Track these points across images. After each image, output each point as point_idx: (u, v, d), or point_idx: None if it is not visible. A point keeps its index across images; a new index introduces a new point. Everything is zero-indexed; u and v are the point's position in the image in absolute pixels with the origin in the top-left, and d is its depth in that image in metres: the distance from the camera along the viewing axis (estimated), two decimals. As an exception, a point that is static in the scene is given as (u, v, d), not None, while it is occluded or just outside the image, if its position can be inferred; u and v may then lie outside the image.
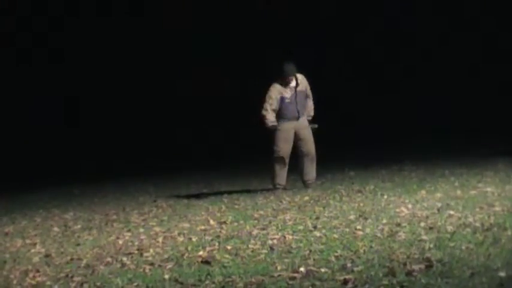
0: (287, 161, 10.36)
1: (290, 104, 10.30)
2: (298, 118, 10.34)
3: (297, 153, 10.42)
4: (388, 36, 21.73)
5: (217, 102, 21.96)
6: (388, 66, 21.70)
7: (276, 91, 10.29)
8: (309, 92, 10.48)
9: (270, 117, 10.30)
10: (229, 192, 10.94)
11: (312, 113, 10.56)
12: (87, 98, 22.63)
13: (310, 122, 10.52)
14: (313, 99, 10.55)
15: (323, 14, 21.71)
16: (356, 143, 18.99)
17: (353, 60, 21.98)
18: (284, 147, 10.31)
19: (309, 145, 10.38)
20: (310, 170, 10.42)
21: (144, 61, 22.54)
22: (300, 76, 10.41)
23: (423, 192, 8.47)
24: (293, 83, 10.34)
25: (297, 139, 10.35)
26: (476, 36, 20.83)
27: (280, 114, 10.35)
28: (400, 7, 21.57)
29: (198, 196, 10.95)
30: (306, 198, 9.06)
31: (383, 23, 21.78)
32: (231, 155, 19.42)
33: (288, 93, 10.31)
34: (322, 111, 10.89)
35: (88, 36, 22.41)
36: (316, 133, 10.57)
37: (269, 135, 10.46)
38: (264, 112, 10.30)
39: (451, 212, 6.70)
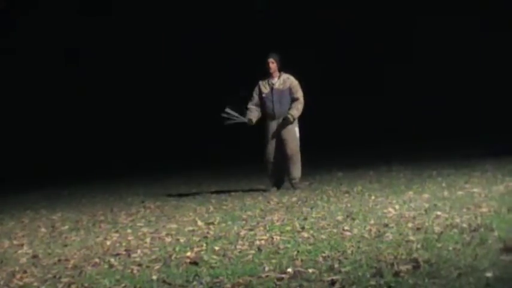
0: (272, 160, 10.48)
1: (267, 100, 10.48)
2: (274, 116, 10.43)
3: (281, 154, 10.44)
4: (378, 36, 21.74)
5: (207, 103, 21.91)
6: (377, 67, 21.72)
7: (257, 87, 10.58)
8: (296, 94, 10.45)
9: (248, 111, 10.55)
10: (218, 193, 10.94)
11: (292, 112, 10.36)
12: (75, 96, 22.54)
13: (289, 120, 10.36)
14: (303, 103, 10.46)
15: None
16: (344, 144, 19.03)
17: (340, 61, 21.99)
18: (267, 147, 10.51)
19: (288, 145, 10.41)
20: (293, 169, 10.44)
21: (136, 60, 22.48)
22: (285, 75, 10.51)
23: (411, 193, 8.49)
24: (275, 79, 10.47)
25: (278, 140, 10.42)
26: (465, 35, 20.88)
27: (263, 113, 10.59)
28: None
29: (186, 197, 10.94)
30: (294, 199, 9.06)
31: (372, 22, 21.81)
32: (220, 155, 19.41)
33: (266, 89, 10.51)
34: (310, 112, 10.90)
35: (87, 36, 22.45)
36: (304, 134, 10.57)
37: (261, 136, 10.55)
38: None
39: (439, 213, 6.71)
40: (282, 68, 10.56)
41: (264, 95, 10.49)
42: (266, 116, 10.56)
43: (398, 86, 21.49)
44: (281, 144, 10.40)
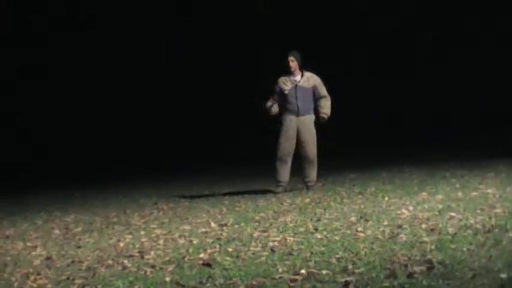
0: (288, 158, 10.30)
1: (289, 96, 10.30)
2: (298, 114, 10.29)
3: (298, 154, 10.39)
4: (389, 36, 21.70)
5: (218, 102, 21.96)
6: (390, 66, 21.69)
7: (277, 85, 10.41)
8: (322, 91, 10.37)
9: (268, 103, 10.45)
10: (230, 194, 10.94)
11: (325, 110, 10.35)
12: (86, 98, 22.61)
13: (325, 119, 10.37)
14: (330, 100, 10.43)
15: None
16: (356, 145, 18.99)
17: (353, 60, 21.97)
18: (284, 144, 10.28)
19: (309, 147, 10.30)
20: (310, 171, 10.38)
21: (145, 60, 22.52)
22: (308, 73, 10.40)
23: (424, 194, 8.47)
24: (297, 77, 10.35)
25: (298, 139, 10.31)
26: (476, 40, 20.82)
27: (282, 108, 10.39)
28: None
29: (199, 198, 10.94)
30: (307, 200, 9.05)
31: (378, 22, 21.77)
32: (232, 156, 19.41)
33: (287, 86, 10.33)
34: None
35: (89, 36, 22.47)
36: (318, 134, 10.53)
37: (275, 133, 10.46)
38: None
39: (452, 214, 6.69)
40: (303, 66, 10.42)
41: (286, 92, 10.28)
42: (286, 111, 10.32)
43: (413, 86, 21.45)
44: (301, 145, 10.27)
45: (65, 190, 14.98)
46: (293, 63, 10.33)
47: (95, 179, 17.07)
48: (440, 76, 21.23)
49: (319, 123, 10.42)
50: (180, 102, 22.53)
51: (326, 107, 10.38)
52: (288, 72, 10.39)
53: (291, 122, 10.30)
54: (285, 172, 10.35)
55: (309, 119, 10.37)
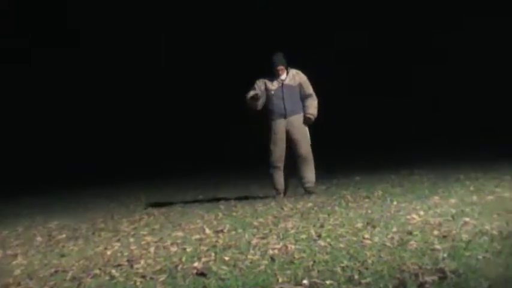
0: (280, 164, 10.27)
1: (275, 97, 10.26)
2: (285, 115, 10.25)
3: (291, 156, 10.33)
4: (391, 38, 21.90)
5: (214, 102, 22.06)
6: (398, 67, 21.82)
7: (260, 81, 10.35)
8: (307, 90, 10.35)
9: (251, 92, 10.22)
10: (227, 199, 10.93)
11: (311, 111, 10.30)
12: (74, 96, 22.69)
13: (311, 121, 10.33)
14: (316, 99, 10.39)
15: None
16: (363, 146, 19.01)
17: (360, 61, 22.10)
18: (275, 150, 10.24)
19: (302, 146, 10.25)
20: (308, 173, 10.32)
21: (143, 61, 22.69)
22: (293, 71, 10.39)
23: (436, 197, 8.46)
24: (283, 76, 10.33)
25: (288, 140, 10.27)
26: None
27: (268, 112, 10.32)
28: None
29: (192, 203, 10.94)
30: (310, 204, 9.05)
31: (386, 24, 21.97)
32: (229, 158, 19.42)
33: (274, 86, 10.30)
34: (327, 113, 10.86)
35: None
36: (320, 135, 10.53)
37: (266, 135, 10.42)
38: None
39: (467, 219, 6.68)
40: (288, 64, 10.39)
41: (272, 92, 10.26)
42: (273, 114, 10.29)
43: (425, 87, 21.58)
44: (293, 145, 10.24)
45: (48, 194, 14.97)
46: (282, 70, 10.31)
47: (81, 182, 17.07)
48: (451, 75, 21.36)
49: (305, 124, 10.33)
50: (175, 103, 22.64)
51: (312, 107, 10.33)
52: (276, 76, 10.32)
53: (279, 126, 10.26)
54: (280, 178, 10.35)
55: (298, 119, 10.32)
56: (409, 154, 16.29)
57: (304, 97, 10.36)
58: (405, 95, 21.72)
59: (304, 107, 10.35)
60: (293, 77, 10.33)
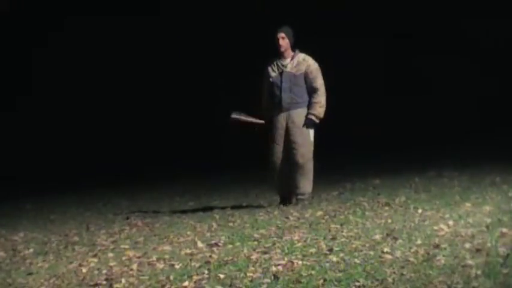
0: (282, 165, 10.12)
1: (274, 86, 10.13)
2: (282, 108, 10.05)
3: (286, 159, 10.14)
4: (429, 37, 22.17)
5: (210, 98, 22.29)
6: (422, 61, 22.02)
7: (264, 76, 10.28)
8: (314, 82, 10.05)
9: (263, 111, 10.27)
10: (222, 207, 10.95)
11: (314, 111, 10.02)
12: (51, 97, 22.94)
13: (312, 123, 10.08)
14: (325, 95, 10.09)
15: None
16: (383, 145, 19.02)
17: (383, 57, 22.36)
18: (274, 148, 10.14)
19: (299, 150, 10.02)
20: (301, 181, 10.08)
21: (129, 62, 23.00)
22: (301, 56, 10.14)
23: (468, 204, 8.48)
24: (286, 61, 10.14)
25: (286, 139, 10.10)
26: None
27: (268, 103, 10.28)
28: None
29: (182, 211, 10.95)
30: (319, 213, 9.06)
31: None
32: (225, 160, 19.43)
33: (274, 72, 10.18)
34: (342, 108, 10.83)
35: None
36: (334, 132, 10.45)
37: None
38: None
39: (504, 230, 6.70)
40: (297, 47, 10.19)
41: (271, 79, 10.15)
42: (272, 105, 10.15)
43: (448, 83, 21.77)
44: (289, 148, 10.04)
45: (13, 201, 14.98)
46: (283, 41, 10.08)
47: (51, 188, 17.07)
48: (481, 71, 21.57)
49: (304, 124, 10.06)
50: (159, 102, 22.92)
51: (316, 105, 10.03)
52: (277, 53, 10.17)
53: (279, 120, 10.11)
54: (280, 183, 10.25)
55: (301, 114, 10.08)
56: (437, 153, 16.30)
57: (310, 90, 10.09)
58: (432, 89, 21.87)
59: (308, 104, 10.12)
60: (298, 63, 10.09)
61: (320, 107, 10.04)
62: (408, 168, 13.74)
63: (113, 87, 23.10)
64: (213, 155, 20.41)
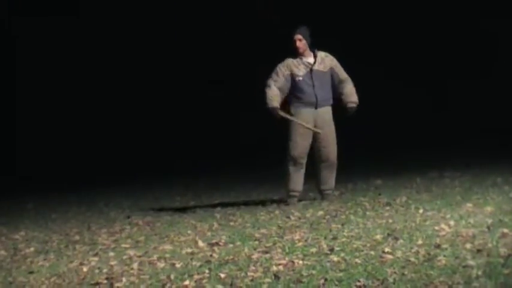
0: (303, 161, 10.19)
1: (304, 84, 10.14)
2: (316, 105, 10.16)
3: (313, 156, 10.29)
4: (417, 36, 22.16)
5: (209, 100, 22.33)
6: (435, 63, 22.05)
7: (284, 66, 10.19)
8: (341, 74, 10.29)
9: (270, 95, 10.10)
10: (223, 205, 10.94)
11: (353, 98, 10.27)
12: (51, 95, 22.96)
13: (351, 108, 10.28)
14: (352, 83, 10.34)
15: None
16: (385, 144, 19.02)
17: (390, 53, 22.36)
18: (300, 143, 10.14)
19: (330, 147, 10.20)
20: (330, 178, 10.33)
21: (127, 61, 23.01)
22: (321, 53, 10.26)
23: (469, 205, 8.47)
24: (310, 59, 10.22)
25: (315, 137, 10.20)
26: None
27: (294, 98, 10.22)
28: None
29: (183, 211, 10.95)
30: (320, 213, 9.05)
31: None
32: (227, 158, 19.43)
33: (301, 71, 10.16)
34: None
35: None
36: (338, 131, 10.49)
37: (284, 130, 10.33)
38: (265, 89, 10.15)
39: (505, 231, 6.69)
40: (313, 45, 10.25)
41: (299, 78, 10.12)
42: (300, 103, 10.18)
43: (457, 81, 21.77)
44: (320, 145, 10.17)
45: (14, 200, 14.98)
46: (301, 42, 10.15)
47: (53, 187, 17.07)
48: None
49: (346, 116, 10.26)
50: (167, 101, 22.92)
51: (353, 93, 10.29)
52: (295, 54, 10.22)
53: (307, 116, 10.16)
54: (299, 179, 10.23)
55: (328, 111, 10.28)
56: (438, 154, 16.29)
57: (338, 83, 10.28)
58: (434, 88, 21.87)
59: (341, 95, 10.27)
60: (322, 60, 10.23)
61: (355, 94, 10.33)
62: (410, 168, 13.73)
63: (113, 87, 23.11)
64: (213, 155, 20.41)
